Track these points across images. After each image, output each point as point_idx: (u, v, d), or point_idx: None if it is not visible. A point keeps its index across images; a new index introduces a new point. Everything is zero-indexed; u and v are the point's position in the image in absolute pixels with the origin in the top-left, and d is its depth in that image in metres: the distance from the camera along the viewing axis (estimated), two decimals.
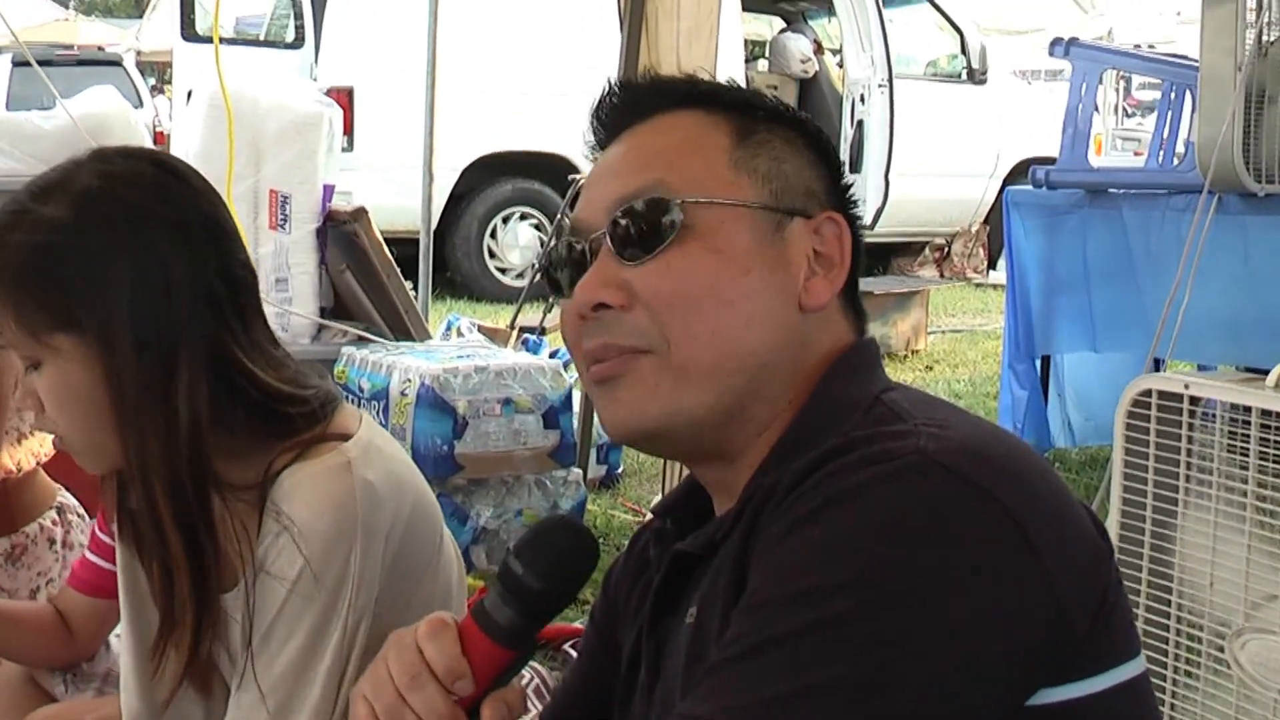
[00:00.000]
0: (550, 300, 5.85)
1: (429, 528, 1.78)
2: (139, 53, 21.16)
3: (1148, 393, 2.43)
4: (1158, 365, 4.37)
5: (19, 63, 17.19)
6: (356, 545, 1.65)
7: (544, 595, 1.19)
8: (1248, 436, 2.31)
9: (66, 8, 31.07)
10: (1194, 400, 2.38)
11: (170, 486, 1.66)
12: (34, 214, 1.66)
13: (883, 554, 1.06)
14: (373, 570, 1.66)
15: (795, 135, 1.33)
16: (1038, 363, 5.64)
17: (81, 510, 2.73)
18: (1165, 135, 5.13)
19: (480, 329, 6.17)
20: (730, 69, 10.44)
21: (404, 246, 7.25)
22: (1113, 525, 2.60)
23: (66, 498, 2.68)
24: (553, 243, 1.45)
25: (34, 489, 2.59)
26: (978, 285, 11.34)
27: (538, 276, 1.65)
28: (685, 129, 1.31)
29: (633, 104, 1.35)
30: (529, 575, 1.18)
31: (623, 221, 1.27)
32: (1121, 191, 5.11)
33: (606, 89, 1.37)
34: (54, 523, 2.61)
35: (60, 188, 1.68)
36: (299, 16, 10.59)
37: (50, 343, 1.65)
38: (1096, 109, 14.31)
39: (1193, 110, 4.57)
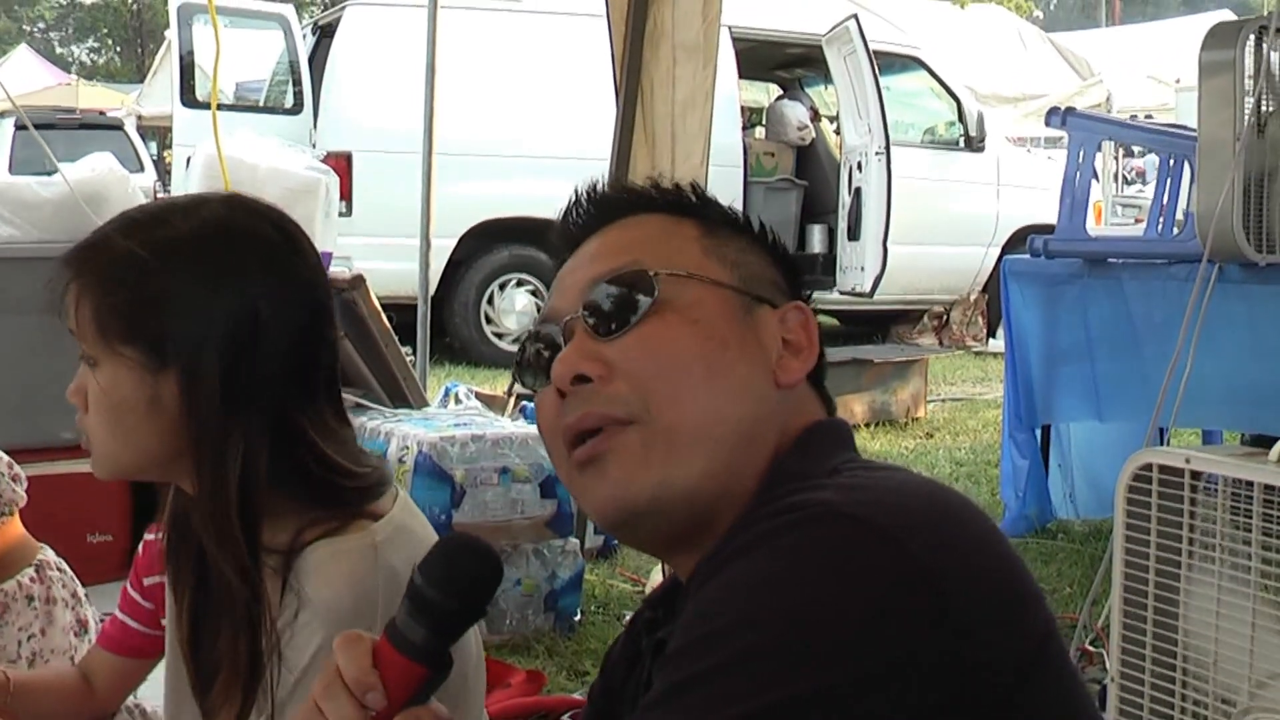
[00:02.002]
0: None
1: None
2: (140, 117, 21.29)
3: (1148, 467, 2.42)
4: (1162, 435, 4.35)
5: (22, 126, 17.33)
6: (375, 629, 1.63)
7: (448, 610, 1.21)
8: (1250, 511, 2.30)
9: (69, 73, 31.32)
10: (1195, 475, 2.36)
11: (219, 531, 1.67)
12: (150, 230, 1.69)
13: (783, 594, 1.07)
14: None
15: (750, 238, 1.38)
16: (1038, 432, 5.63)
17: (64, 565, 2.75)
18: (1164, 204, 5.13)
19: (478, 396, 6.15)
20: (727, 136, 10.53)
21: (402, 312, 7.25)
22: (1115, 600, 2.58)
23: (48, 554, 2.70)
24: (526, 346, 1.44)
25: (11, 547, 2.61)
26: (977, 353, 11.33)
27: (513, 382, 1.66)
28: (655, 224, 1.36)
29: (600, 209, 1.39)
30: (432, 590, 1.20)
31: (598, 298, 1.28)
32: (1121, 261, 5.11)
33: (574, 198, 1.40)
34: (32, 580, 2.62)
35: (184, 215, 1.71)
36: (298, 83, 10.68)
37: (117, 349, 1.67)
38: (1096, 177, 14.39)
39: (1192, 180, 4.58)
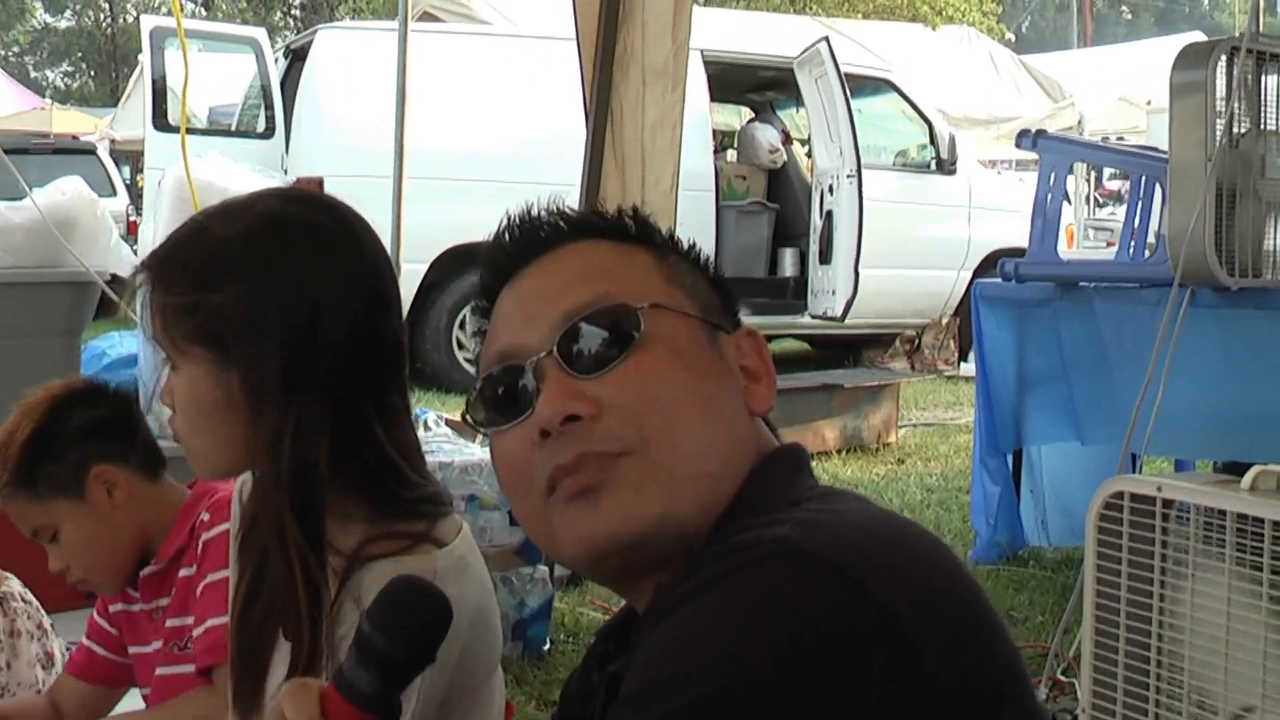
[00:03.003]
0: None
1: (488, 654, 1.78)
2: (113, 141, 21.25)
3: (1120, 495, 2.38)
4: (1134, 461, 4.32)
5: None
6: None
7: (395, 657, 1.19)
8: (1223, 540, 2.26)
9: (43, 97, 31.25)
10: (1167, 503, 2.33)
11: (283, 511, 1.69)
12: (206, 233, 1.74)
13: (739, 638, 1.05)
14: (434, 683, 1.64)
15: (686, 260, 1.35)
16: (1010, 459, 5.60)
17: (29, 596, 2.71)
18: (1135, 228, 5.10)
19: (448, 422, 6.11)
20: (698, 160, 10.51)
21: None
22: (1087, 629, 2.54)
23: (12, 584, 2.67)
24: (486, 386, 1.39)
25: None
26: (949, 377, 11.31)
27: (463, 417, 1.63)
28: (606, 252, 1.32)
29: (540, 236, 1.34)
30: (379, 637, 1.19)
31: (576, 336, 1.24)
32: (1093, 285, 5.08)
33: (507, 222, 1.35)
34: None
35: (238, 215, 1.75)
36: (270, 107, 10.64)
37: (188, 350, 1.71)
38: (1068, 199, 14.43)
39: (1163, 203, 4.56)
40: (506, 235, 1.35)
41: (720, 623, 1.07)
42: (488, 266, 1.35)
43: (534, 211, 1.36)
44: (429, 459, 4.64)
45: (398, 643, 1.18)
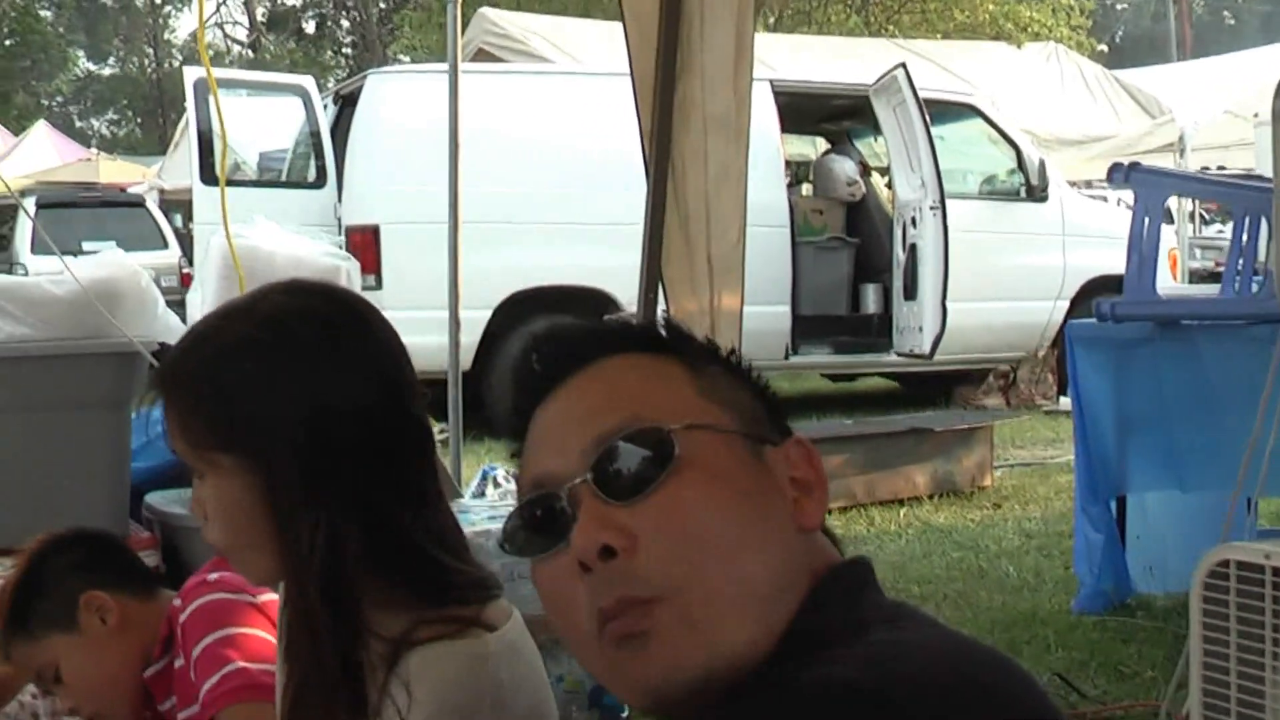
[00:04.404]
0: None
1: None
2: (162, 191, 21.49)
3: (1226, 563, 2.36)
4: (1250, 505, 4.27)
5: (43, 205, 17.62)
6: None
7: None
8: None
9: (89, 146, 31.79)
10: (1277, 571, 2.30)
11: (316, 616, 1.72)
12: (212, 338, 1.80)
13: None
14: None
15: (728, 370, 1.36)
16: (1113, 504, 5.54)
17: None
18: (1241, 261, 5.04)
19: (518, 480, 6.12)
20: (772, 195, 10.52)
21: (437, 388, 7.21)
22: (1195, 704, 2.51)
23: None
24: (519, 514, 1.40)
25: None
26: (1047, 412, 11.19)
27: (502, 546, 1.65)
28: (639, 367, 1.31)
29: (568, 354, 1.34)
30: None
31: (609, 461, 1.24)
32: (1196, 323, 5.02)
33: (532, 342, 1.36)
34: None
35: (243, 315, 1.81)
36: (320, 155, 10.71)
37: (211, 459, 1.75)
38: (1171, 219, 14.24)
39: (1269, 235, 4.51)
40: (535, 354, 1.36)
41: None
42: (517, 387, 1.36)
43: (559, 330, 1.37)
44: (496, 525, 4.69)
45: None
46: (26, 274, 12.83)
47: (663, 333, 1.36)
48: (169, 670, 2.43)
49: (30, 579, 2.51)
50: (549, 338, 1.36)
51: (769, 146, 10.47)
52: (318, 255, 5.33)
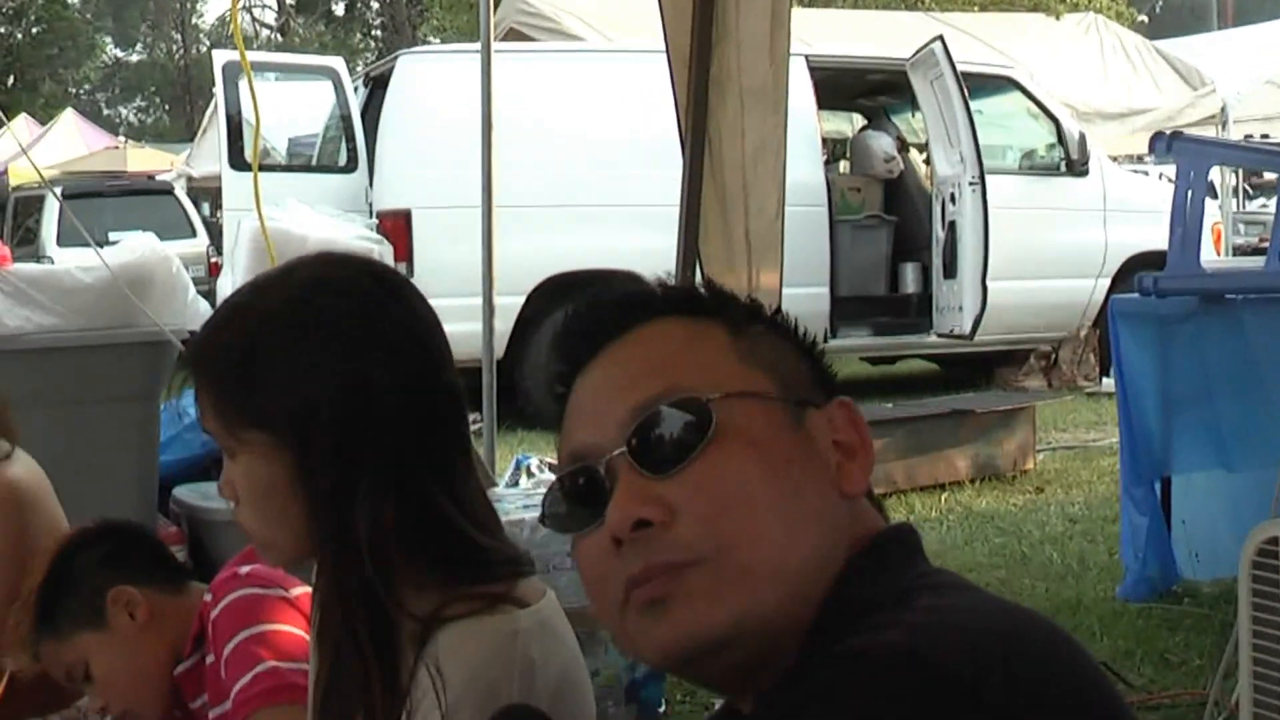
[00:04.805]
0: None
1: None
2: (190, 178, 21.56)
3: (1274, 541, 2.35)
4: None
5: (69, 196, 17.72)
6: None
7: None
8: None
9: (116, 134, 31.94)
10: None
11: (351, 595, 1.71)
12: (245, 313, 1.78)
13: None
14: None
15: (773, 329, 1.35)
16: (1158, 486, 5.50)
17: None
18: None
19: (551, 468, 6.13)
20: (809, 173, 10.47)
21: (469, 376, 7.20)
22: (1244, 686, 2.51)
23: None
24: (557, 489, 1.41)
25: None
26: (1090, 394, 11.12)
27: (542, 521, 1.66)
28: (678, 333, 1.32)
29: (607, 320, 1.34)
30: None
31: (646, 432, 1.24)
32: (1240, 296, 4.99)
33: (570, 312, 1.37)
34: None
35: (275, 288, 1.80)
36: (351, 139, 10.69)
37: (243, 437, 1.74)
38: (1214, 194, 14.13)
39: None
40: (574, 321, 1.36)
41: None
42: (559, 354, 1.36)
43: (599, 296, 1.37)
44: (531, 515, 4.69)
45: None
46: None
47: (704, 293, 1.36)
48: (199, 667, 2.44)
49: (55, 577, 2.51)
50: (589, 306, 1.36)
51: (805, 124, 10.41)
52: (350, 238, 5.35)
